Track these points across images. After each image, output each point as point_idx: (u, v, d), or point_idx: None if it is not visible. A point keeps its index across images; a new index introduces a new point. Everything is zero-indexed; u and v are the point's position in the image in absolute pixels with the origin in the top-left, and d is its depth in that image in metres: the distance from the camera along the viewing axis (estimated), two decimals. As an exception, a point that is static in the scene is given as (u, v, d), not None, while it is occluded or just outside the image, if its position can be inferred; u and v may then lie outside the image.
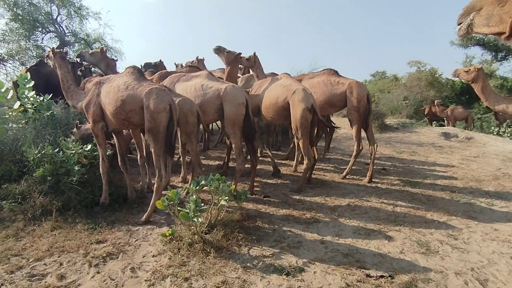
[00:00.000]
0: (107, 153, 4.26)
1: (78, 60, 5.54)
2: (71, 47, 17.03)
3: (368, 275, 2.81)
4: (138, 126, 4.08)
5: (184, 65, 9.24)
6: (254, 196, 4.77)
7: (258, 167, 5.23)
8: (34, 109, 5.24)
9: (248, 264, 2.96)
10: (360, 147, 5.71)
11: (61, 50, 4.40)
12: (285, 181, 5.63)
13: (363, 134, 5.69)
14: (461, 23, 2.02)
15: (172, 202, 3.29)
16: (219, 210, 3.52)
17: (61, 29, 16.85)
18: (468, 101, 19.82)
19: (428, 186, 5.53)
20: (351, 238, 3.55)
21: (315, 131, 5.43)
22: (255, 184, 5.06)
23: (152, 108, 3.64)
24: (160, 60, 9.13)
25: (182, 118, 4.25)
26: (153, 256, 3.10)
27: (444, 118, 15.39)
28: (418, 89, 16.95)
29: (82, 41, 17.60)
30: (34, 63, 7.94)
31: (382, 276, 2.79)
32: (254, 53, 6.48)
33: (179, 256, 3.04)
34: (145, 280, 2.70)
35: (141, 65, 9.04)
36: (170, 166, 4.14)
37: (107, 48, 18.16)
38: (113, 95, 3.82)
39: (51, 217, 3.69)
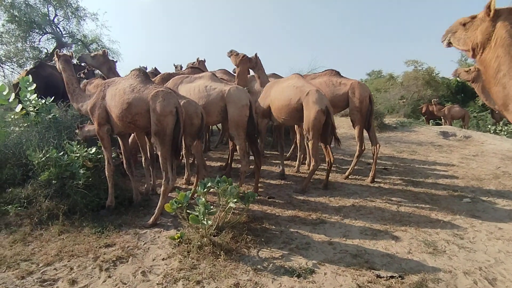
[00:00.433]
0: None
1: (78, 62, 5.49)
2: (68, 48, 16.92)
3: (378, 276, 2.83)
4: (144, 129, 4.07)
5: (182, 66, 9.27)
6: (259, 197, 4.78)
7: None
8: (36, 112, 5.21)
9: (259, 266, 2.97)
10: (363, 148, 5.75)
11: (65, 53, 4.38)
12: (288, 182, 5.64)
13: (365, 134, 5.73)
14: (443, 40, 2.69)
15: (180, 205, 3.30)
16: (227, 212, 3.53)
17: (58, 30, 16.73)
18: (464, 99, 19.99)
19: (430, 185, 5.57)
20: (358, 238, 3.58)
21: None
22: (259, 185, 5.07)
23: (158, 111, 3.63)
24: (155, 67, 9.16)
25: (187, 120, 4.24)
26: (163, 259, 3.10)
27: (441, 117, 15.51)
28: (415, 88, 17.07)
29: (79, 42, 17.49)
30: (33, 66, 7.89)
31: (392, 277, 2.81)
32: (256, 54, 6.50)
33: (189, 259, 3.05)
34: (157, 284, 2.70)
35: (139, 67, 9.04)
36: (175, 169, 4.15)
37: (104, 48, 18.11)
38: (118, 98, 3.81)
39: (58, 221, 3.67)
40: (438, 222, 4.01)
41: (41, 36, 16.47)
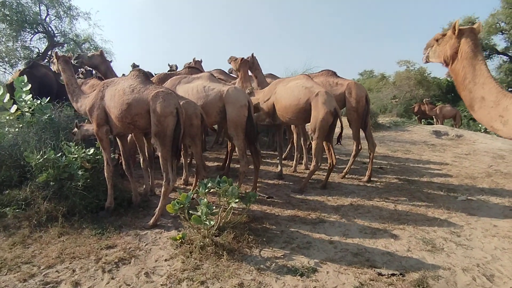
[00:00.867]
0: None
1: (75, 63, 5.43)
2: (60, 47, 16.69)
3: (379, 274, 2.88)
4: (143, 130, 4.06)
5: (178, 66, 9.25)
6: (258, 197, 4.80)
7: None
8: (31, 113, 5.15)
9: (262, 266, 3.00)
10: (359, 147, 5.82)
11: (65, 54, 4.35)
12: (286, 182, 5.68)
13: (361, 134, 5.80)
14: (424, 54, 3.07)
15: (182, 206, 3.30)
16: (228, 212, 3.54)
17: (50, 30, 16.48)
18: (454, 99, 20.31)
19: (425, 184, 5.67)
20: (358, 237, 3.62)
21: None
22: (257, 185, 5.09)
23: (159, 111, 3.62)
24: (148, 71, 9.14)
25: (186, 121, 4.24)
26: (166, 260, 3.10)
27: (433, 116, 15.75)
28: (407, 88, 17.30)
29: (71, 42, 17.26)
30: (27, 66, 7.78)
31: (393, 274, 2.86)
32: (252, 54, 6.53)
33: (192, 259, 3.05)
34: (162, 285, 2.70)
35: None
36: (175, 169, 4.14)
37: (97, 47, 17.92)
38: (118, 98, 3.79)
39: (57, 223, 3.64)
40: (435, 220, 4.08)
41: (32, 36, 16.25)
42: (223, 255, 3.09)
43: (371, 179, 5.79)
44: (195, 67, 6.63)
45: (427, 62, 3.07)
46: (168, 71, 8.22)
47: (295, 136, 6.68)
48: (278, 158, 6.21)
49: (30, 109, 5.17)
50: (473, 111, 2.58)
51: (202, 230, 3.35)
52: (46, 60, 15.79)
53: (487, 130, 13.29)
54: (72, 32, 17.42)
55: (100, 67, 5.51)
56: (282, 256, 3.19)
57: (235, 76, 7.61)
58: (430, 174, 6.32)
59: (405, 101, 17.22)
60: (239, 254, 3.18)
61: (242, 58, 6.10)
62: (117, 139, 4.34)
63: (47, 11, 16.16)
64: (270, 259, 3.14)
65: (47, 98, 5.49)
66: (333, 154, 5.29)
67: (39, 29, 16.05)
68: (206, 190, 3.47)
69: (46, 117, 5.15)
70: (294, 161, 6.50)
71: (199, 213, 3.21)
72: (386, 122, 11.95)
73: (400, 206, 4.60)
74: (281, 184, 5.56)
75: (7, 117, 5.15)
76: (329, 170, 5.36)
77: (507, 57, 19.82)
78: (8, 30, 14.85)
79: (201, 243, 3.21)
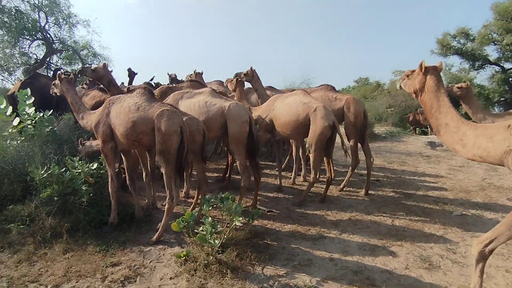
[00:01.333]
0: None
1: (79, 75, 5.50)
2: (58, 54, 16.69)
3: (379, 293, 2.97)
4: (148, 147, 4.13)
5: (176, 75, 9.34)
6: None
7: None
8: (33, 126, 5.18)
9: (265, 285, 3.07)
10: (357, 160, 5.93)
11: (67, 75, 4.43)
12: (285, 194, 5.76)
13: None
14: (398, 83, 3.53)
15: (187, 224, 3.37)
16: (231, 230, 3.61)
17: (49, 37, 16.47)
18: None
19: (421, 198, 5.79)
20: (357, 254, 3.72)
21: None
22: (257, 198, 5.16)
23: (163, 130, 3.70)
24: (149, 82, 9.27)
25: (189, 137, 4.31)
26: (171, 278, 3.16)
27: (427, 126, 15.98)
28: (402, 98, 17.52)
29: (70, 49, 17.25)
30: (28, 76, 7.81)
31: (392, 294, 2.95)
32: (251, 68, 6.65)
33: (197, 278, 3.12)
34: (168, 304, 2.76)
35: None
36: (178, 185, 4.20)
37: (95, 54, 17.95)
38: (123, 116, 3.86)
39: (62, 239, 3.68)
40: (432, 236, 4.19)
41: (31, 42, 16.22)
42: (227, 274, 3.16)
43: (369, 191, 5.90)
44: (196, 80, 6.72)
45: (401, 88, 3.51)
46: (169, 83, 8.31)
47: (294, 148, 6.78)
48: (277, 169, 6.31)
49: (33, 122, 5.20)
50: (440, 135, 2.93)
51: (205, 247, 3.42)
52: (45, 67, 15.82)
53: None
54: (71, 39, 17.48)
55: (103, 79, 5.58)
56: (284, 274, 3.27)
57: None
58: (425, 187, 6.46)
59: (400, 110, 17.45)
60: (243, 272, 3.25)
61: (237, 78, 6.39)
62: (122, 155, 4.41)
63: (46, 18, 16.16)
64: (273, 277, 3.21)
65: (47, 109, 5.54)
66: (332, 168, 5.40)
67: (38, 36, 16.03)
68: (210, 208, 3.55)
69: (48, 130, 5.19)
70: (293, 173, 6.59)
71: (203, 232, 3.28)
72: (382, 132, 12.12)
73: (397, 221, 4.71)
74: (281, 196, 5.65)
75: (10, 130, 5.18)
76: (327, 183, 5.47)
77: (499, 67, 20.18)
78: (6, 37, 14.82)
79: (205, 261, 3.27)
